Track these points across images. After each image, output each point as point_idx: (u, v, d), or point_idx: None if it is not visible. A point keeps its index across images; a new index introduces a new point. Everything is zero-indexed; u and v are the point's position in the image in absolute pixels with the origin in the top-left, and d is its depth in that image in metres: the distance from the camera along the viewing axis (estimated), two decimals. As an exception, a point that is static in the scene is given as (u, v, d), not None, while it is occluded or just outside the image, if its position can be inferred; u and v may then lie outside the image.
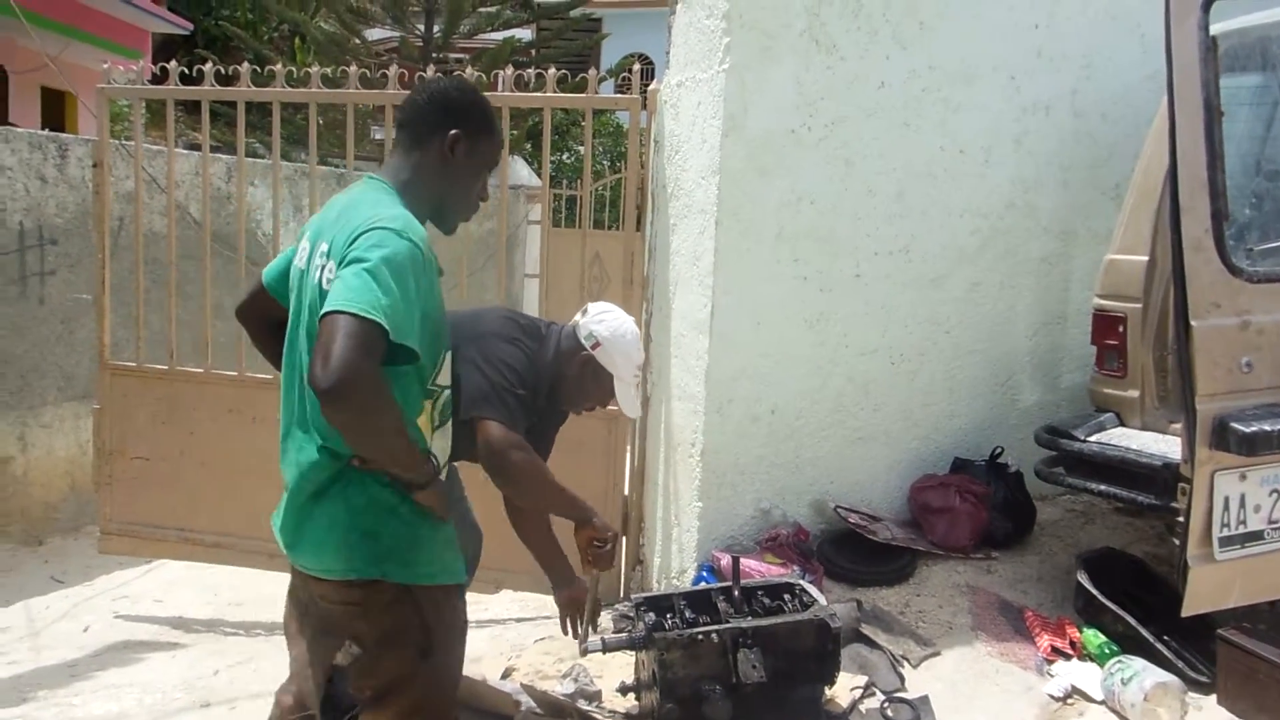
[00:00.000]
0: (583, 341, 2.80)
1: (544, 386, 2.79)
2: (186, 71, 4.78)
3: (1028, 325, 4.46)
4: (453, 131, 2.11)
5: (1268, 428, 2.12)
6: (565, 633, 3.03)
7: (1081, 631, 3.48)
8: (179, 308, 5.00)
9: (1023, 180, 4.31)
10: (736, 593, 3.01)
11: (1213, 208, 2.16)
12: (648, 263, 4.33)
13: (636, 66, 4.38)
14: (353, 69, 4.53)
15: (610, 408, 2.99)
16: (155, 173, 6.38)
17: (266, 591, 4.76)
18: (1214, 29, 3.56)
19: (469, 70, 4.37)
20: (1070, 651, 3.43)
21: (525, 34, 16.50)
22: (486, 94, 4.54)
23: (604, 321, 2.82)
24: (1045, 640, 3.51)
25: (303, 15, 14.28)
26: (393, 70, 4.41)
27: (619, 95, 4.35)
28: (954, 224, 4.19)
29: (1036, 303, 4.46)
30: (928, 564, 3.96)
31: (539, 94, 4.31)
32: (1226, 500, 2.18)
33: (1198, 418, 2.13)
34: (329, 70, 4.84)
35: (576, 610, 2.97)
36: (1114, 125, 4.44)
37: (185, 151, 7.04)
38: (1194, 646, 3.17)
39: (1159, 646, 3.14)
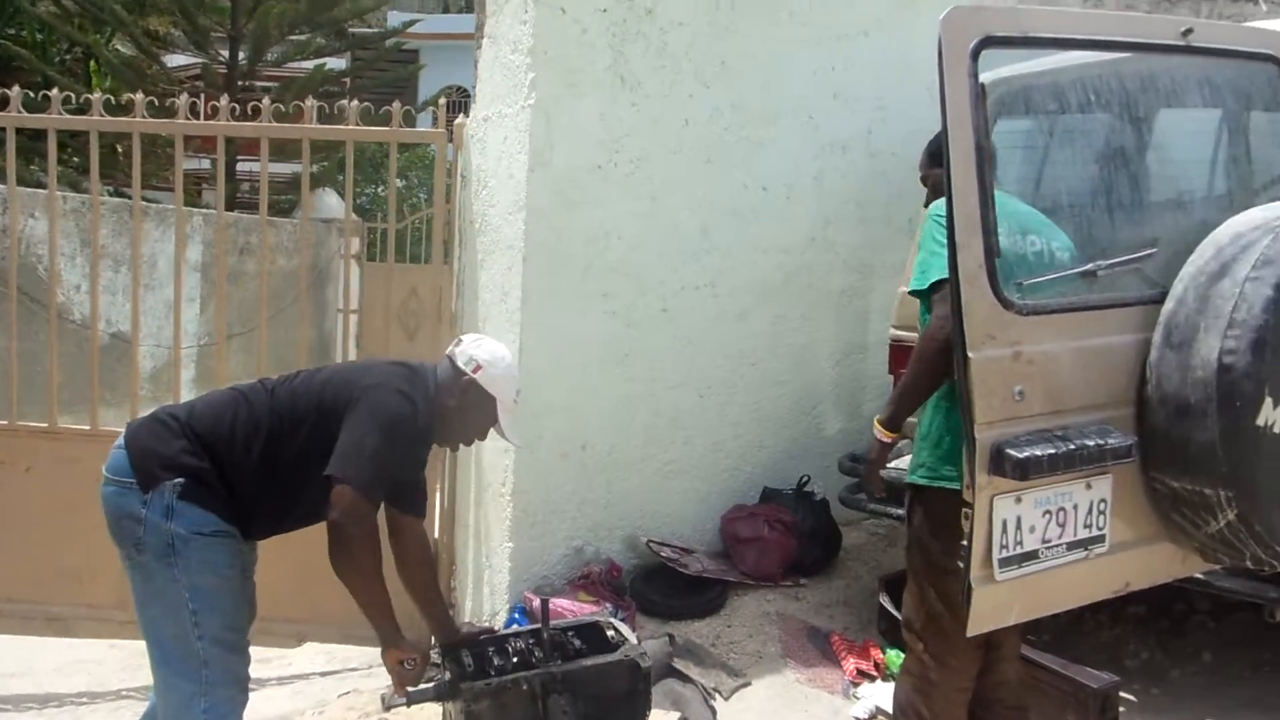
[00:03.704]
0: (463, 367, 2.70)
1: (433, 431, 2.68)
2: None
3: (830, 356, 4.60)
4: None
5: (1038, 452, 2.21)
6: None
7: (885, 652, 3.59)
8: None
9: (823, 216, 4.45)
10: (546, 636, 2.95)
11: (985, 244, 2.26)
12: (456, 299, 4.25)
13: (443, 100, 4.32)
14: (139, 96, 4.28)
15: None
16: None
17: (45, 662, 4.38)
18: (988, 77, 3.81)
19: (265, 100, 4.20)
20: (874, 673, 3.54)
21: (339, 63, 16.12)
22: (289, 125, 4.43)
23: (481, 345, 2.76)
24: (851, 663, 3.60)
25: (96, 38, 13.48)
26: (183, 99, 4.19)
27: (424, 129, 4.28)
28: (758, 259, 4.29)
29: (838, 334, 4.62)
30: (739, 594, 4.00)
31: (341, 127, 4.18)
32: (1004, 523, 2.27)
33: (976, 445, 2.21)
34: (111, 97, 4.56)
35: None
36: (905, 164, 4.64)
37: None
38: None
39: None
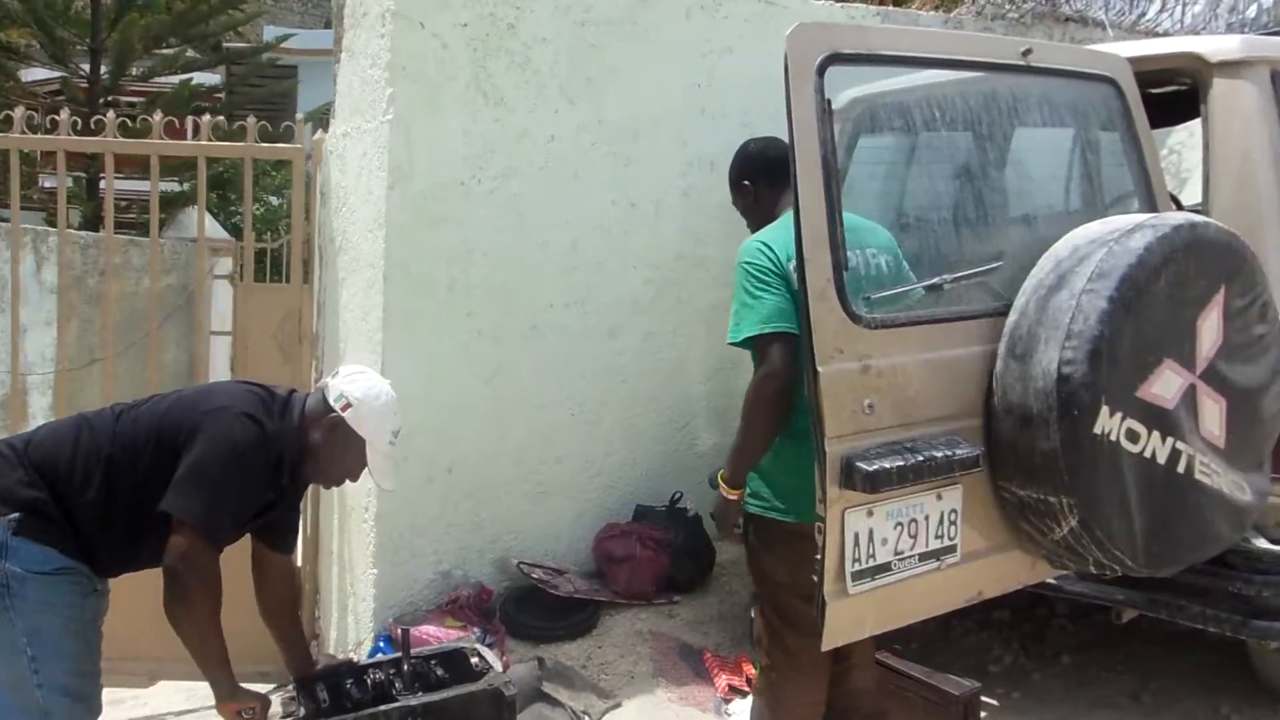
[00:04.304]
0: (332, 403, 2.53)
1: (287, 462, 2.52)
2: None
3: (702, 372, 4.60)
4: None
5: (888, 465, 2.23)
6: None
7: (756, 667, 3.58)
8: None
9: (692, 232, 4.46)
10: (406, 666, 2.86)
11: (833, 259, 2.28)
12: (317, 319, 4.13)
13: (300, 115, 4.19)
14: (19, 112, 4.04)
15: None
16: None
17: None
18: (852, 94, 3.88)
19: (110, 115, 4.02)
20: (747, 688, 3.53)
21: (213, 78, 15.64)
22: (135, 140, 4.25)
23: (356, 382, 2.58)
24: (723, 680, 3.59)
25: (-57, 50, 12.84)
26: (18, 112, 3.98)
27: (281, 145, 4.15)
28: (628, 275, 4.27)
29: (709, 350, 4.61)
30: (612, 614, 3.96)
31: (191, 142, 4.02)
32: (856, 536, 2.28)
33: (827, 458, 2.22)
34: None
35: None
36: (772, 180, 4.71)
37: None
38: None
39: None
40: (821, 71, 2.34)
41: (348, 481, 2.69)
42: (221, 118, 4.15)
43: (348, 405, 2.52)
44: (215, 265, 11.10)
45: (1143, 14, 6.72)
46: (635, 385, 4.36)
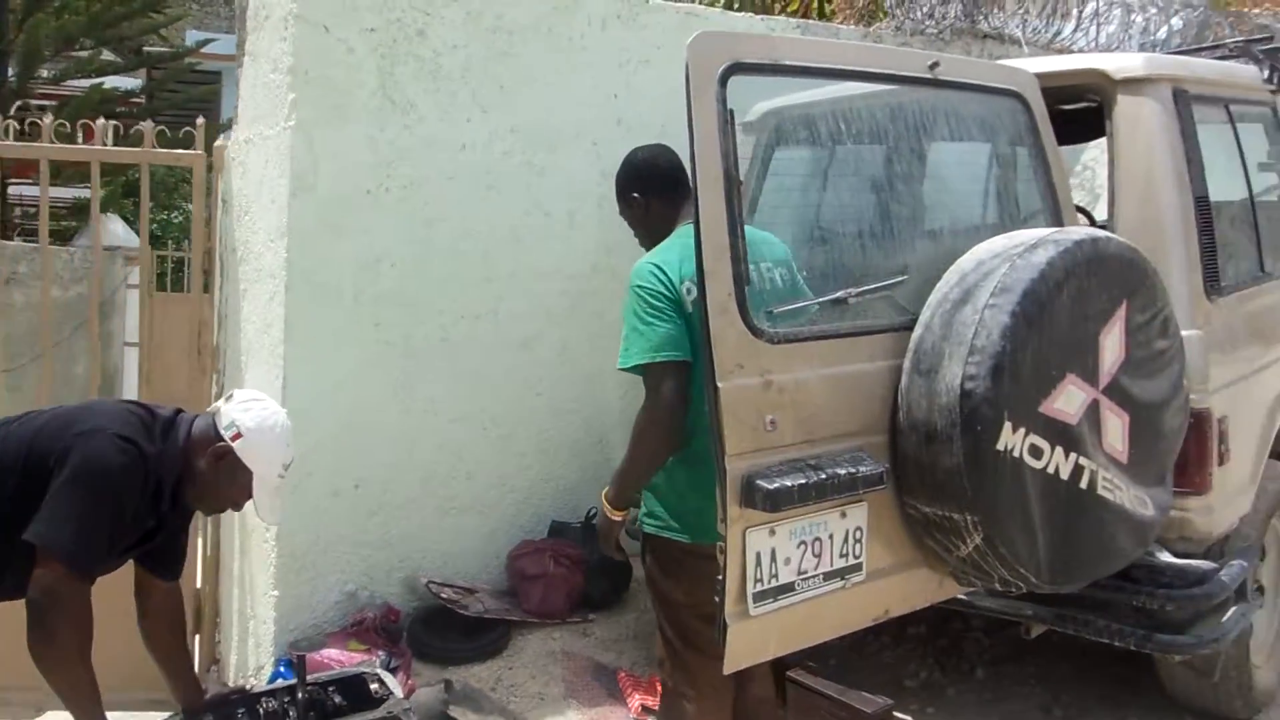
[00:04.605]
0: (222, 431, 2.41)
1: (168, 487, 2.39)
2: None
3: (618, 385, 4.51)
4: None
5: (789, 483, 2.18)
6: None
7: (666, 688, 3.52)
8: None
9: (606, 243, 4.38)
10: (301, 694, 2.74)
11: (734, 272, 2.23)
12: (218, 331, 3.99)
13: (201, 120, 4.04)
14: None
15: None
16: None
17: None
18: (766, 106, 3.85)
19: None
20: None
21: (135, 82, 15.18)
22: (22, 143, 4.07)
23: (250, 410, 2.45)
24: (636, 700, 3.53)
25: None
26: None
27: (180, 151, 4.00)
28: (542, 286, 4.20)
29: (627, 362, 4.56)
30: (524, 634, 3.87)
31: (86, 147, 3.86)
32: (759, 556, 2.22)
33: (727, 476, 2.17)
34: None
35: None
36: (689, 192, 4.67)
37: None
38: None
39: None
40: (724, 81, 2.29)
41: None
42: (103, 120, 3.97)
43: (238, 435, 2.41)
44: (129, 274, 10.80)
45: (1058, 33, 6.84)
46: (550, 398, 4.28)
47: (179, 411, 2.51)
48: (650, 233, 2.73)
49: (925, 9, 6.22)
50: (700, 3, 7.97)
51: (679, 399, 2.38)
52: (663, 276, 2.44)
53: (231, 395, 2.55)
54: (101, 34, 12.99)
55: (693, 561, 2.40)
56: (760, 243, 2.52)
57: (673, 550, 2.52)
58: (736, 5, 7.12)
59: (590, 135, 4.30)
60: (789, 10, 7.82)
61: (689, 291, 2.41)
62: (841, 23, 6.89)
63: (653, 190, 2.74)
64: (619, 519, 2.59)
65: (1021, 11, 6.63)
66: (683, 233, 2.57)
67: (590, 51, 4.25)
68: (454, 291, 3.93)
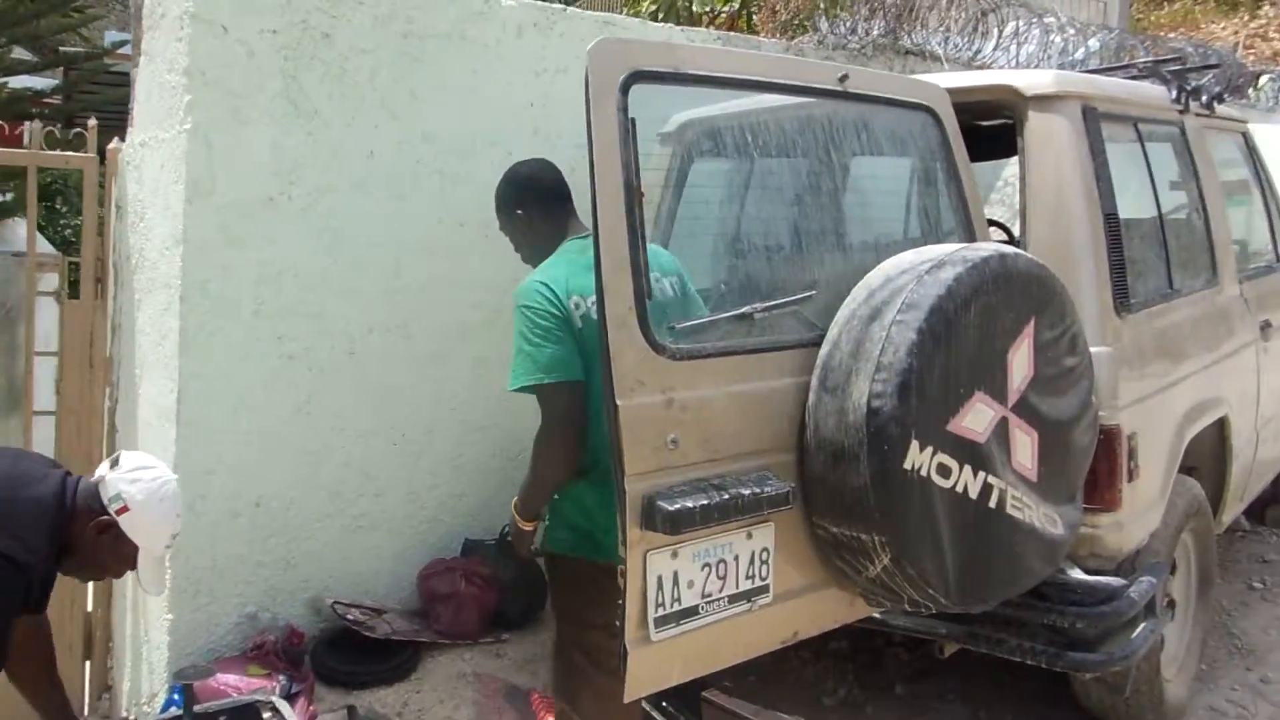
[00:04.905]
0: (106, 503, 2.29)
1: (51, 570, 2.28)
2: None
3: (533, 400, 4.43)
4: None
5: (690, 504, 2.11)
6: None
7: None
8: None
9: (523, 255, 4.31)
10: (189, 727, 2.62)
11: (635, 286, 2.16)
12: (112, 342, 3.81)
13: (92, 121, 3.87)
14: None
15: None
16: None
17: None
18: (683, 117, 3.80)
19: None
20: (572, 732, 3.37)
21: (46, 82, 14.69)
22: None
23: (138, 480, 2.33)
24: (547, 723, 3.43)
25: None
26: None
27: (69, 154, 3.82)
28: (456, 299, 4.08)
29: (544, 377, 4.46)
30: (434, 655, 3.75)
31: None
32: (660, 579, 2.16)
33: (627, 497, 2.09)
34: None
35: None
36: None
37: None
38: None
39: (655, 715, 3.14)
40: (625, 89, 2.23)
41: None
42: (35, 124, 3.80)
43: (124, 509, 2.30)
44: (41, 281, 10.45)
45: (978, 51, 6.93)
46: (464, 414, 4.16)
47: (64, 474, 2.39)
48: (534, 249, 2.71)
49: (848, 24, 6.26)
50: (623, 13, 7.95)
51: (572, 418, 2.41)
52: (549, 294, 2.41)
53: (118, 460, 2.42)
54: (12, 30, 12.54)
55: (607, 580, 2.33)
56: (650, 254, 2.46)
57: (584, 568, 2.50)
58: (661, 16, 7.08)
59: (505, 144, 4.20)
60: (715, 23, 7.82)
61: (578, 308, 2.39)
62: (764, 36, 6.89)
63: (537, 205, 2.72)
64: (529, 529, 2.68)
65: (943, 29, 6.70)
66: (569, 249, 2.58)
67: (505, 59, 4.16)
68: (362, 304, 3.80)
